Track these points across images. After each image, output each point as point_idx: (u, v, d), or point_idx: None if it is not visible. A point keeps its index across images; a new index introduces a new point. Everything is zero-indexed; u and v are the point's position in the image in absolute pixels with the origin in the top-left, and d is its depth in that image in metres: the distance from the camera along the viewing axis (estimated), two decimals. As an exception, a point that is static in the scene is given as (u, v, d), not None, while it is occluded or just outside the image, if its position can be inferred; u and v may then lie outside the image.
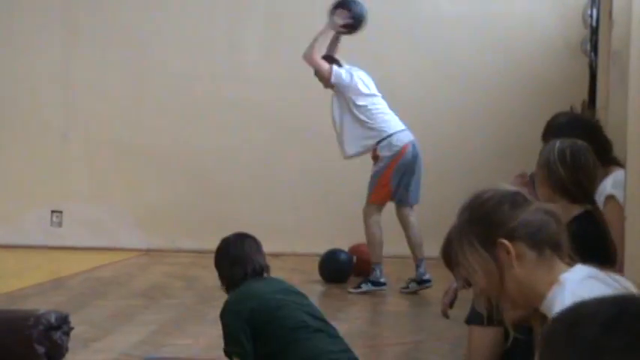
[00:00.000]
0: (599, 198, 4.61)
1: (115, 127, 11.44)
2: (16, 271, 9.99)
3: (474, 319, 4.43)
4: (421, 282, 8.90)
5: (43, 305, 6.91)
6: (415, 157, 8.95)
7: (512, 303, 2.64)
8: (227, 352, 4.87)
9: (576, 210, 4.16)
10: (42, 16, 11.51)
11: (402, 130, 9.01)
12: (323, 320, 4.97)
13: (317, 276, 9.39)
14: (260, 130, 11.24)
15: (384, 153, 8.90)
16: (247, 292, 4.93)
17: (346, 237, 9.84)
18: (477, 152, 10.91)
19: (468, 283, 2.89)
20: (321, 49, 9.19)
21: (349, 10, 9.13)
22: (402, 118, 9.20)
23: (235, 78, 11.35)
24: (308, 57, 9.15)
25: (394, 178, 8.87)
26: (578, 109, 5.05)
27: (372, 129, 8.96)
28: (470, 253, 2.63)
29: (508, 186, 2.83)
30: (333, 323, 5.16)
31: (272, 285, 5.04)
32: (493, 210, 2.63)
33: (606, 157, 4.90)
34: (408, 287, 8.95)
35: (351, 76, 9.10)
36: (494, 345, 4.16)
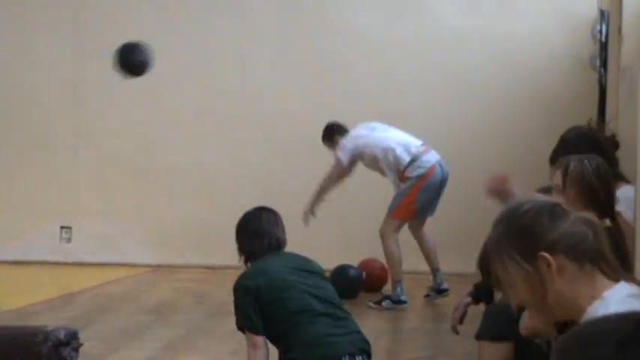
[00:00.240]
0: None
1: (125, 143, 11.45)
2: (26, 287, 9.98)
3: (484, 334, 4.43)
4: (439, 291, 9.11)
5: (53, 321, 6.91)
6: (443, 178, 9.00)
7: (550, 315, 2.59)
8: (239, 327, 4.93)
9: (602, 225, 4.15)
10: (52, 31, 11.54)
11: (426, 151, 9.01)
12: (331, 302, 4.94)
13: (327, 292, 9.36)
14: (269, 146, 11.24)
15: (411, 174, 8.92)
16: (259, 268, 4.99)
17: (356, 252, 9.83)
18: (487, 167, 10.85)
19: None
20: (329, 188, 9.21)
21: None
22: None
23: (244, 95, 11.36)
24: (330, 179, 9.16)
25: (420, 198, 8.91)
26: (593, 124, 5.05)
27: (397, 162, 8.95)
28: (511, 266, 2.57)
29: (544, 197, 2.79)
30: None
31: (286, 262, 5.05)
32: (533, 222, 2.58)
33: (613, 172, 4.89)
34: (429, 295, 9.18)
35: (353, 147, 9.07)
36: (504, 360, 4.15)
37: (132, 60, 7.17)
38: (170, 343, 7.44)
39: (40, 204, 11.46)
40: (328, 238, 10.85)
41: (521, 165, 10.40)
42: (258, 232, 5.08)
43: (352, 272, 9.45)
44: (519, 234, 2.58)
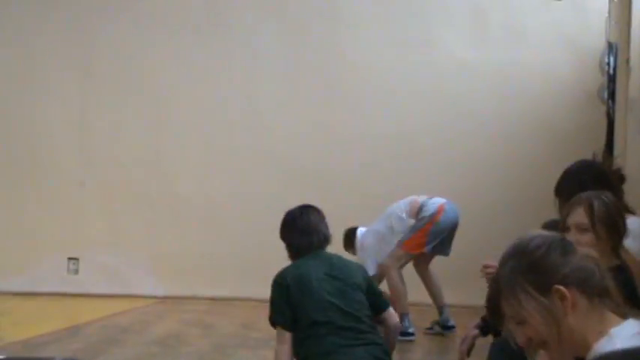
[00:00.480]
0: None
1: (132, 175, 11.47)
2: (33, 318, 9.97)
3: (491, 367, 4.40)
4: (446, 327, 9.09)
5: (60, 353, 6.90)
6: (454, 219, 9.05)
7: (562, 350, 2.57)
8: (272, 322, 5.02)
9: (613, 261, 4.14)
10: (60, 64, 11.59)
11: (431, 197, 9.12)
12: (353, 315, 4.96)
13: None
14: (276, 177, 11.25)
15: (422, 215, 9.00)
16: (294, 268, 5.13)
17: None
18: (494, 201, 10.87)
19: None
20: None
21: None
22: (417, 168, 9.26)
23: (251, 127, 11.38)
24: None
25: (432, 233, 8.93)
26: (598, 157, 5.03)
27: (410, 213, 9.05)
28: (526, 300, 2.55)
29: (548, 232, 2.77)
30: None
31: (318, 265, 5.11)
32: (545, 256, 2.57)
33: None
34: (432, 328, 9.15)
35: (373, 257, 9.13)
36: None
37: None
38: (177, 375, 7.41)
39: (48, 235, 11.46)
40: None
41: (527, 197, 10.40)
42: (307, 229, 5.21)
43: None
44: (533, 268, 2.57)
